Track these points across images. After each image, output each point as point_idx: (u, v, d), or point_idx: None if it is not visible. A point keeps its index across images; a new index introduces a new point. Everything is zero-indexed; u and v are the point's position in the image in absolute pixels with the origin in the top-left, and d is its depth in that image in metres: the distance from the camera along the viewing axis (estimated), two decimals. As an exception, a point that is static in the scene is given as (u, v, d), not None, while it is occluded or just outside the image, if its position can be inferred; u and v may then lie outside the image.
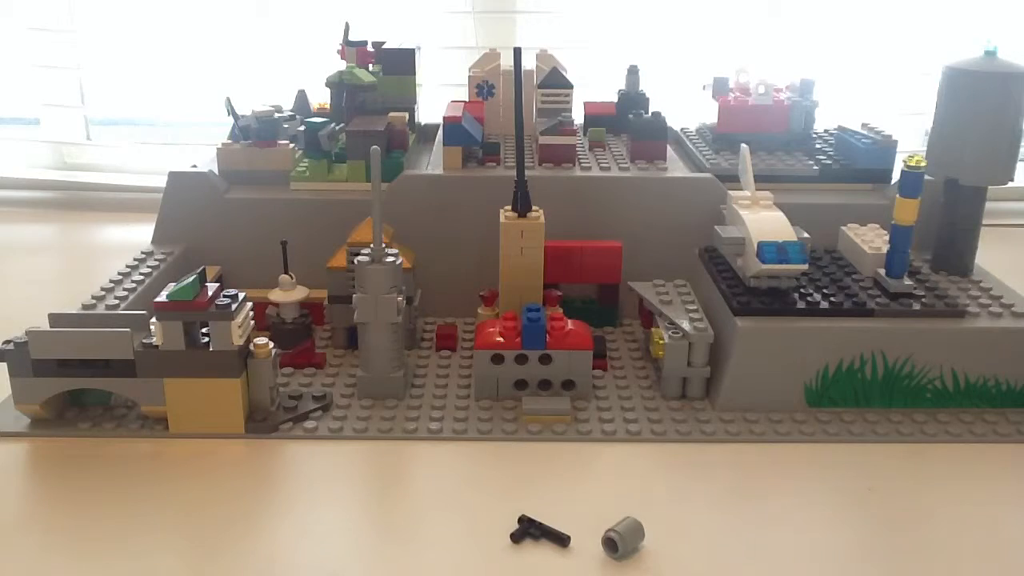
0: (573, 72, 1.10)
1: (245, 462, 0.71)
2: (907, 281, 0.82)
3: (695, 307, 0.83)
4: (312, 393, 0.79)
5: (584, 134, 1.09)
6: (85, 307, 0.83)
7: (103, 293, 0.86)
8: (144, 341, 0.72)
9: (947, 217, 0.92)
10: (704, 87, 1.09)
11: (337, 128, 0.98)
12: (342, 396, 0.80)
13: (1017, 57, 0.88)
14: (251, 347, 0.73)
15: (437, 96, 1.26)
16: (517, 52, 0.85)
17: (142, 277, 0.89)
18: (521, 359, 0.79)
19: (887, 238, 0.85)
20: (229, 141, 1.03)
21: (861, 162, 1.00)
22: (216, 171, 0.99)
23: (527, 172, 0.86)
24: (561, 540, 0.60)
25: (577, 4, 1.34)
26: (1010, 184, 0.91)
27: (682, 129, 1.14)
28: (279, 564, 0.60)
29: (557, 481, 0.69)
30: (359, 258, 0.77)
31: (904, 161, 0.80)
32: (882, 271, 0.84)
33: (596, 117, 1.12)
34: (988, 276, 0.90)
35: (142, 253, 0.95)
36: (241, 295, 0.73)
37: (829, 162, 1.02)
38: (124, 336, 0.71)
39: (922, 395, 0.79)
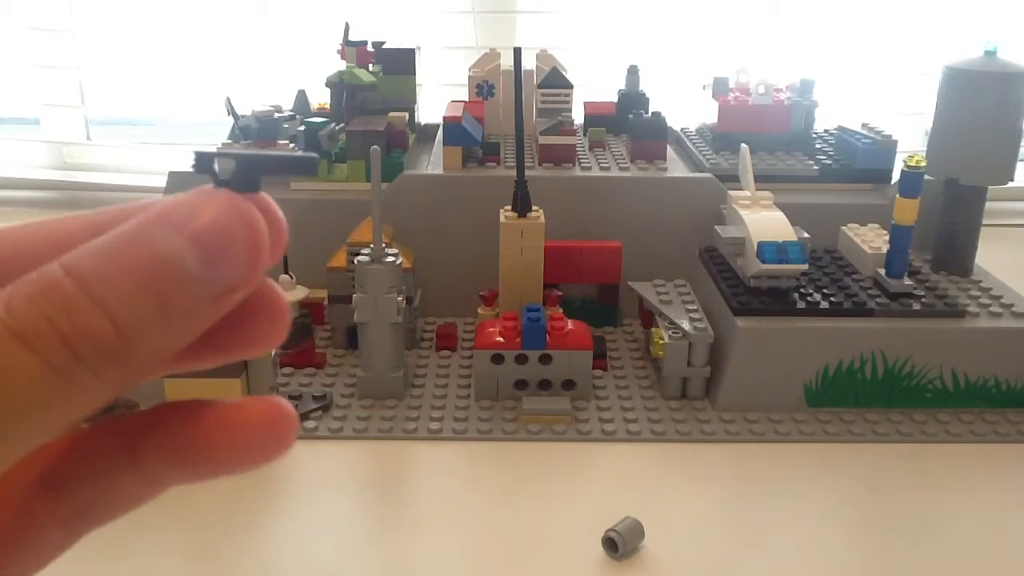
0: (573, 72, 1.09)
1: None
2: (907, 281, 0.82)
3: (695, 307, 0.83)
4: (312, 393, 0.79)
5: (584, 134, 1.09)
6: (85, 307, 0.83)
7: (103, 293, 0.86)
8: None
9: (947, 217, 0.92)
10: (704, 87, 1.09)
11: (337, 128, 0.98)
12: (342, 396, 0.80)
13: (1017, 57, 0.88)
14: (251, 347, 0.73)
15: (437, 96, 1.26)
16: (517, 52, 0.85)
17: (142, 277, 0.89)
18: (521, 359, 0.79)
19: (887, 238, 0.85)
20: (229, 141, 1.03)
21: (861, 162, 1.00)
22: (216, 171, 0.98)
23: (527, 172, 0.86)
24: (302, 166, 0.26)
25: (577, 4, 1.34)
26: (1010, 184, 0.91)
27: (682, 129, 1.14)
28: (278, 564, 0.60)
29: (557, 481, 0.69)
30: (359, 258, 0.77)
31: (904, 161, 0.80)
32: (882, 271, 0.84)
33: (596, 117, 1.11)
34: (988, 276, 0.90)
35: (142, 253, 0.95)
36: (241, 295, 0.72)
37: (829, 162, 1.02)
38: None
39: (922, 395, 0.79)
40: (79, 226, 0.19)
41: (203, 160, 0.18)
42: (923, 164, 0.80)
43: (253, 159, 0.17)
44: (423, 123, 1.17)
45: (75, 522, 0.20)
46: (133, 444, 0.19)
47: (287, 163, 0.18)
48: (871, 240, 0.88)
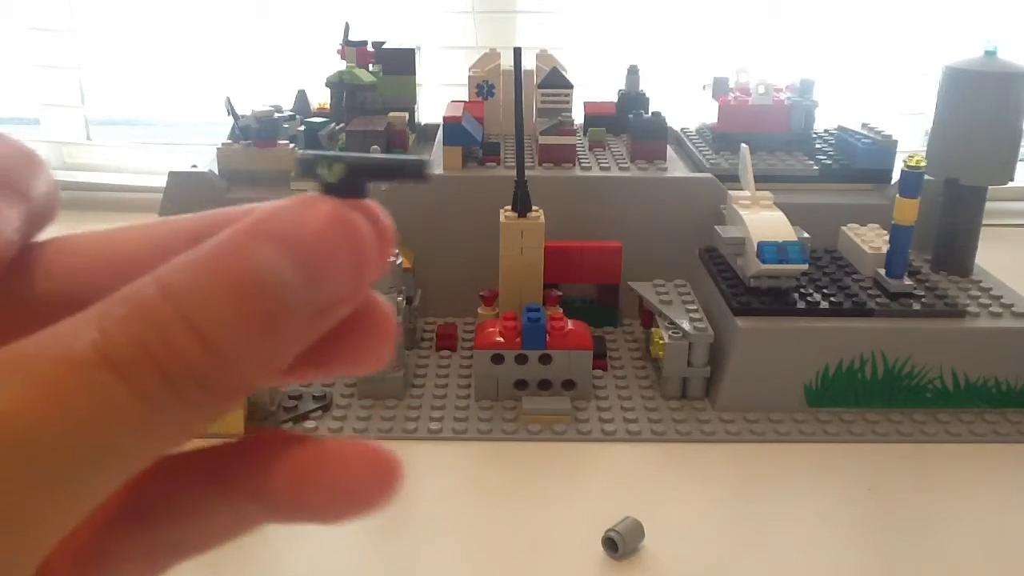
0: (573, 72, 1.09)
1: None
2: (907, 281, 0.82)
3: (695, 307, 0.83)
4: (312, 393, 0.79)
5: (584, 134, 1.09)
6: (85, 307, 0.83)
7: (103, 293, 0.86)
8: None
9: (947, 217, 0.92)
10: (704, 87, 1.09)
11: (337, 128, 0.98)
12: (342, 396, 0.80)
13: (1017, 57, 0.88)
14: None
15: (437, 96, 1.26)
16: (517, 52, 0.85)
17: (142, 277, 0.89)
18: (521, 359, 0.79)
19: (887, 238, 0.85)
20: (229, 141, 1.03)
21: (861, 162, 1.00)
22: (216, 171, 0.99)
23: (527, 172, 0.86)
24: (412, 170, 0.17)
25: (577, 4, 1.34)
26: (1010, 184, 0.91)
27: (682, 129, 1.14)
28: (278, 564, 0.60)
29: (557, 481, 0.69)
30: (359, 258, 0.77)
31: (904, 161, 0.80)
32: (882, 271, 0.84)
33: (596, 117, 1.11)
34: (988, 276, 0.90)
35: (142, 253, 0.95)
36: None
37: (829, 162, 1.02)
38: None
39: (922, 395, 0.79)
40: (181, 229, 0.18)
41: (308, 163, 0.16)
42: (923, 164, 0.80)
43: (362, 163, 0.16)
44: (423, 123, 1.17)
45: (161, 554, 0.18)
46: (223, 477, 0.18)
47: (398, 168, 0.16)
48: (871, 240, 0.88)
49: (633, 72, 1.15)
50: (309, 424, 0.76)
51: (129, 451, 0.15)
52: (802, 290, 0.81)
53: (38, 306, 0.17)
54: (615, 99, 1.16)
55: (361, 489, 0.17)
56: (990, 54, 0.87)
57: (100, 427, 0.14)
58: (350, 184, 0.16)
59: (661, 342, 0.80)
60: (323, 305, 0.15)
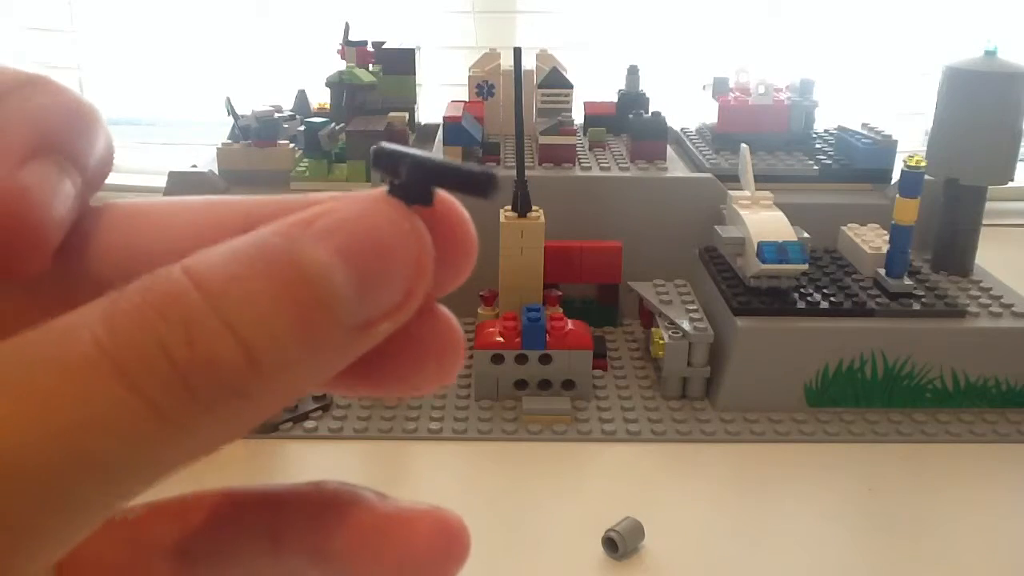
0: (573, 72, 1.09)
1: (244, 462, 0.71)
2: (907, 281, 0.82)
3: (695, 307, 0.83)
4: (312, 393, 0.79)
5: (584, 134, 1.09)
6: (85, 307, 0.83)
7: (103, 293, 0.86)
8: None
9: (947, 217, 0.92)
10: (704, 87, 1.09)
11: (337, 128, 0.98)
12: (342, 396, 0.81)
13: (1017, 57, 0.88)
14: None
15: (437, 96, 1.26)
16: (517, 52, 0.85)
17: (142, 277, 0.89)
18: (521, 359, 0.79)
19: (887, 238, 0.85)
20: (229, 141, 1.03)
21: (861, 162, 1.00)
22: (216, 171, 0.98)
23: (527, 172, 0.86)
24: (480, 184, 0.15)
25: (577, 4, 1.34)
26: (1010, 184, 0.91)
27: (682, 129, 1.14)
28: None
29: (557, 481, 0.69)
30: (359, 258, 0.77)
31: (904, 161, 0.80)
32: (882, 271, 0.84)
33: (596, 117, 1.11)
34: (988, 276, 0.90)
35: (142, 253, 0.95)
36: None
37: (829, 162, 1.02)
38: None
39: (922, 395, 0.79)
40: (236, 213, 0.15)
41: (383, 158, 0.15)
42: (923, 164, 0.80)
43: (428, 166, 0.14)
44: (423, 123, 1.17)
45: None
46: (276, 530, 0.16)
47: (466, 179, 0.15)
48: (871, 240, 0.88)
49: (633, 72, 1.15)
50: (309, 424, 0.76)
51: (137, 469, 0.13)
52: (802, 290, 0.81)
53: (94, 292, 0.15)
54: (615, 99, 1.16)
55: (428, 563, 0.16)
56: (990, 54, 0.87)
57: (101, 446, 0.12)
58: (415, 187, 0.15)
59: (661, 342, 0.80)
60: (371, 318, 0.14)
